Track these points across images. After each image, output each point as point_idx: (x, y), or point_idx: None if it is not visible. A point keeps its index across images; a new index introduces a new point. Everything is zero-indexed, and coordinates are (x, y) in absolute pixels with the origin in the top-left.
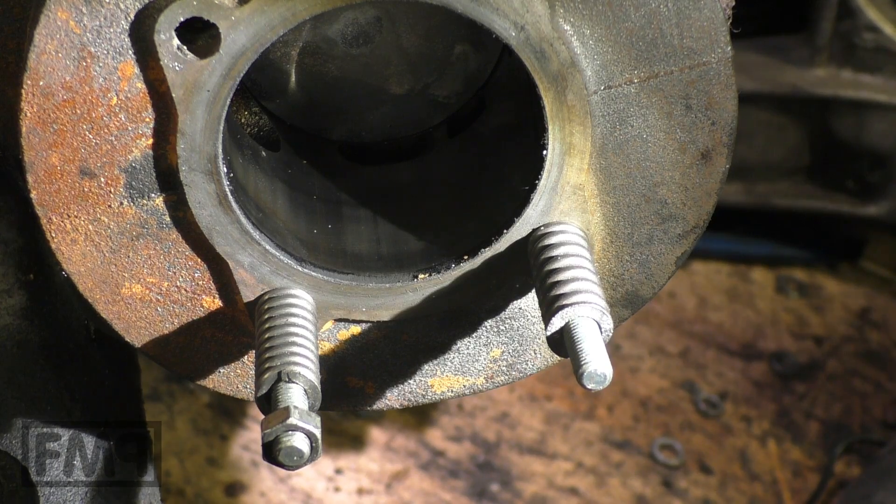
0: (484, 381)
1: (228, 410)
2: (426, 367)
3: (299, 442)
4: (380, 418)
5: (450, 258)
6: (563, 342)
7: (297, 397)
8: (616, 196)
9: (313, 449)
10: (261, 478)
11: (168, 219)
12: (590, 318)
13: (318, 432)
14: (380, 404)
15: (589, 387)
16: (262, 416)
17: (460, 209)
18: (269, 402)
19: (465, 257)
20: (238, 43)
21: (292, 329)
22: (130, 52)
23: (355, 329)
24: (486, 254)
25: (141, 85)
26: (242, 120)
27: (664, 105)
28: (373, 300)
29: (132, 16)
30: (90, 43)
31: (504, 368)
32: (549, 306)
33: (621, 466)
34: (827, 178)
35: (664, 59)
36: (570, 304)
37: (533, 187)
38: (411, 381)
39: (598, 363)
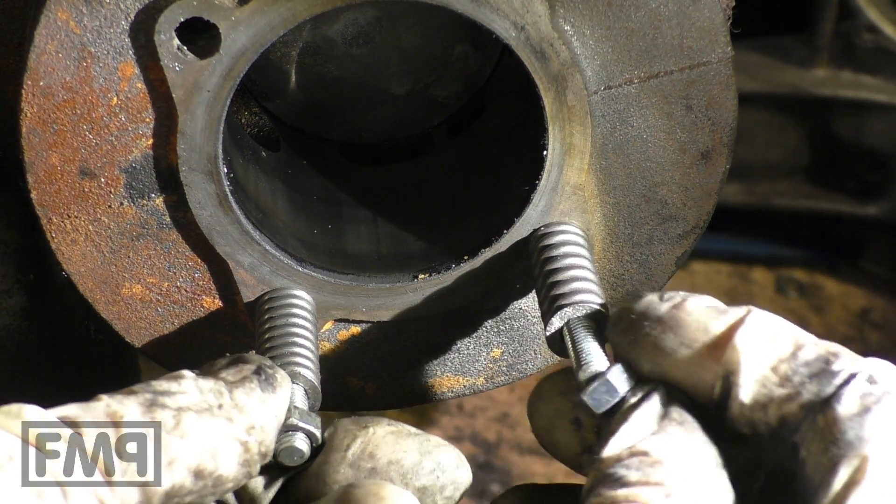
0: (484, 382)
1: None
2: (426, 367)
3: (299, 442)
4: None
5: (450, 258)
6: (562, 342)
7: (297, 397)
8: (616, 196)
9: (313, 449)
10: None
11: (168, 219)
12: (590, 318)
13: (318, 432)
14: (380, 404)
15: None
16: None
17: (460, 209)
18: None
19: (466, 257)
20: (238, 43)
21: (293, 329)
22: (130, 52)
23: (355, 329)
24: (487, 254)
25: (141, 85)
26: (242, 120)
27: (664, 105)
28: (373, 300)
29: (132, 16)
30: (90, 43)
31: (504, 368)
32: (549, 306)
33: None
34: (827, 178)
35: (664, 59)
36: (570, 304)
37: (533, 187)
38: (411, 381)
39: (597, 363)
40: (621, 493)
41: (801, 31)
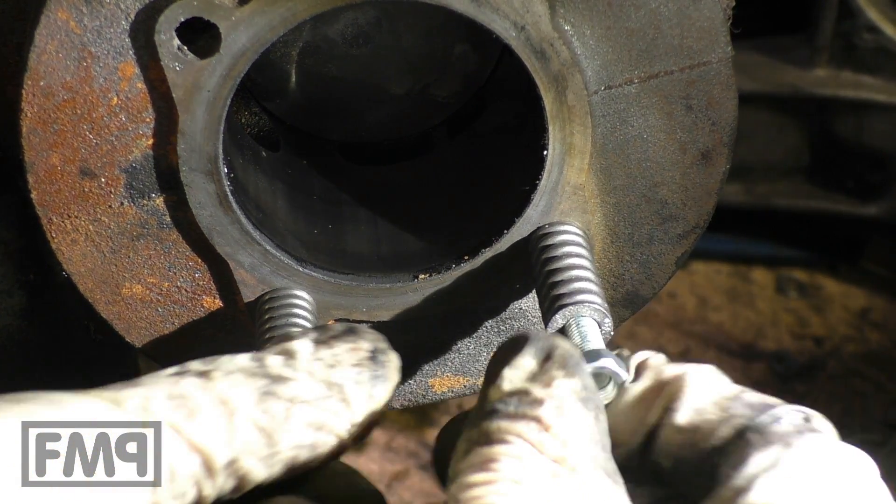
0: None
1: None
2: (426, 367)
3: None
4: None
5: (450, 258)
6: None
7: None
8: (616, 196)
9: None
10: None
11: (168, 219)
12: (590, 318)
13: None
14: (391, 402)
15: None
16: None
17: (460, 209)
18: None
19: (466, 257)
20: (238, 43)
21: (293, 329)
22: (131, 52)
23: None
24: (487, 254)
25: (141, 85)
26: (243, 120)
27: (665, 105)
28: (373, 300)
29: (132, 16)
30: (90, 43)
31: None
32: (550, 306)
33: None
34: (827, 178)
35: (664, 58)
36: (571, 304)
37: (533, 187)
38: (411, 381)
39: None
40: (500, 423)
41: (801, 31)
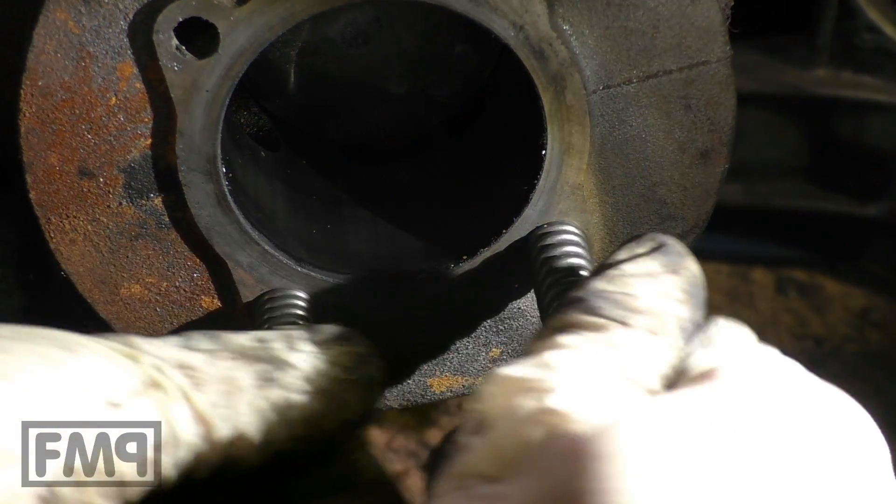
0: (483, 381)
1: None
2: (425, 366)
3: None
4: (380, 418)
5: (449, 258)
6: None
7: None
8: (615, 196)
9: None
10: None
11: (167, 219)
12: None
13: None
14: (379, 404)
15: None
16: None
17: (460, 209)
18: None
19: (465, 257)
20: (237, 43)
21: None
22: (129, 52)
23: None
24: (486, 254)
25: (140, 85)
26: (242, 120)
27: (663, 105)
28: (372, 300)
29: (130, 16)
30: (89, 43)
31: None
32: (549, 306)
33: None
34: (827, 178)
35: (663, 58)
36: None
37: (532, 187)
38: (410, 381)
39: None
40: (589, 318)
41: (801, 31)
